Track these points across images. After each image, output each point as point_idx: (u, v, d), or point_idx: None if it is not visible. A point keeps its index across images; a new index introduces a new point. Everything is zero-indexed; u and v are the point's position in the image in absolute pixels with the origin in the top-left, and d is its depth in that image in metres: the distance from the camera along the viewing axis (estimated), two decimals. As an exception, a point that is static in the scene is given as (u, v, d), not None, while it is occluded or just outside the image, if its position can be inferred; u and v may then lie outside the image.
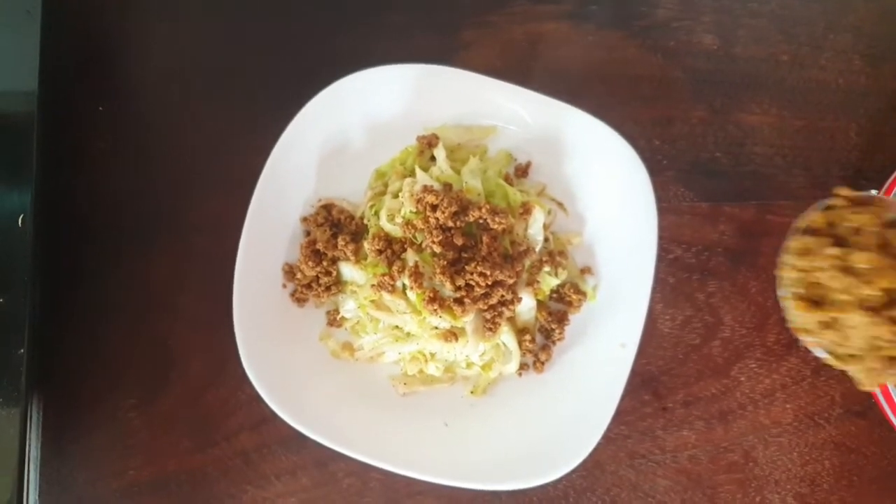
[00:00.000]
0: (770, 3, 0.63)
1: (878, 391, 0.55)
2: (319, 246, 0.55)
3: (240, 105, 0.62)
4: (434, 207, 0.51)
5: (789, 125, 0.62)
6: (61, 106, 0.61)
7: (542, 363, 0.56)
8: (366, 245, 0.54)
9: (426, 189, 0.52)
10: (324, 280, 0.56)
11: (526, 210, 0.54)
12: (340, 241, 0.55)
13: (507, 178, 0.57)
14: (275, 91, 0.61)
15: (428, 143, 0.58)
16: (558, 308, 0.57)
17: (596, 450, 0.52)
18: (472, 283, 0.51)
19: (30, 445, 0.57)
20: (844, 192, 0.50)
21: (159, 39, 0.64)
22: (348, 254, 0.55)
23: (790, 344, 0.58)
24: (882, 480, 0.57)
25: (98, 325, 0.59)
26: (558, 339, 0.56)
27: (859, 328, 0.46)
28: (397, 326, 0.55)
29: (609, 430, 0.52)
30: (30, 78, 0.59)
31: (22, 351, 0.54)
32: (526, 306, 0.55)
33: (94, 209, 0.61)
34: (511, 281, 0.52)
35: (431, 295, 0.51)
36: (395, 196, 0.55)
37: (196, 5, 0.64)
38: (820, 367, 0.58)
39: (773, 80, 0.62)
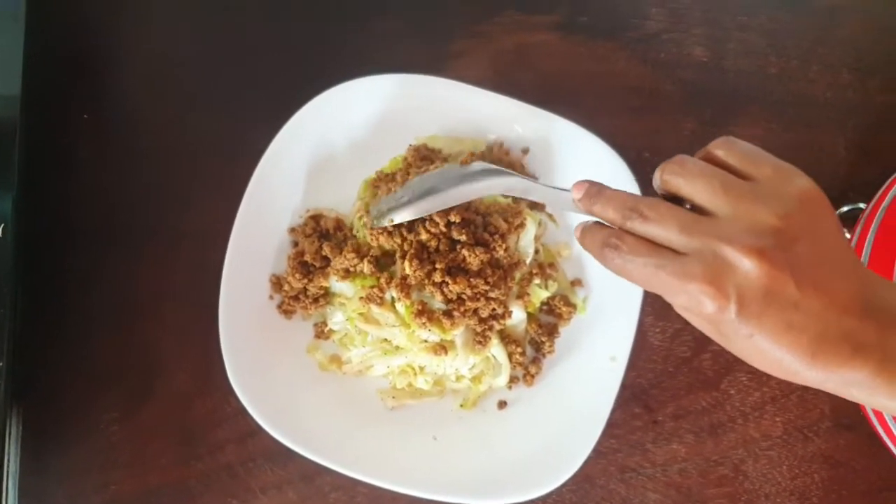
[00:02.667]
0: (759, 17, 0.64)
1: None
2: (307, 257, 0.55)
3: (227, 113, 0.61)
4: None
5: (778, 138, 0.62)
6: (45, 113, 0.61)
7: (532, 376, 0.55)
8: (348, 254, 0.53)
9: None
10: (311, 292, 0.55)
11: (520, 224, 0.53)
12: (325, 248, 0.54)
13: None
14: (263, 100, 0.60)
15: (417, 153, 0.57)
16: (548, 321, 0.57)
17: (586, 463, 0.52)
18: (463, 296, 0.51)
19: (8, 459, 0.55)
20: None
21: (145, 47, 0.63)
22: (335, 263, 0.54)
23: (780, 357, 0.58)
24: (871, 494, 0.57)
25: (81, 335, 0.58)
26: (548, 352, 0.56)
27: None
28: (386, 339, 0.54)
29: (599, 443, 0.52)
30: (13, 82, 0.58)
31: (1, 364, 0.53)
32: (516, 319, 0.55)
33: (78, 218, 0.60)
34: (503, 297, 0.51)
35: (420, 308, 0.51)
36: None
37: (183, 13, 0.64)
38: (809, 380, 0.58)
39: (762, 94, 0.63)
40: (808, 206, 0.35)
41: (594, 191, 0.40)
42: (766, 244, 0.33)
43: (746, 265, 0.33)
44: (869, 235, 0.52)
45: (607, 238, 0.37)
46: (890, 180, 0.54)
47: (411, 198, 0.50)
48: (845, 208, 0.58)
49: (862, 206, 0.57)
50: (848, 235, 0.57)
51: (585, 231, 0.40)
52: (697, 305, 0.34)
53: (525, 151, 0.58)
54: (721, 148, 0.38)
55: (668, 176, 0.37)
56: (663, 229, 0.35)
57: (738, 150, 0.37)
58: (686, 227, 0.35)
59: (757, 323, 0.33)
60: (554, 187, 0.45)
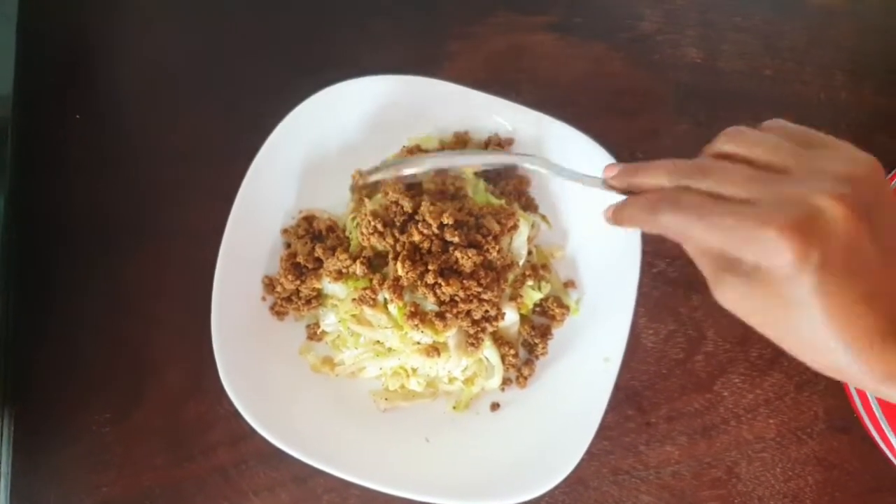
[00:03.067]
0: (754, 18, 0.64)
1: (860, 406, 0.55)
2: (300, 259, 0.54)
3: (220, 113, 0.61)
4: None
5: (773, 140, 0.62)
6: (37, 113, 0.60)
7: (525, 378, 0.55)
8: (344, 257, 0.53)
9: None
10: (304, 293, 0.55)
11: (513, 225, 0.53)
12: (318, 250, 0.54)
13: (491, 191, 0.57)
14: (255, 100, 0.60)
15: (410, 154, 0.57)
16: (541, 322, 0.57)
17: (579, 466, 0.51)
18: (455, 298, 0.50)
19: (0, 461, 0.55)
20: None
21: (138, 47, 0.63)
22: (327, 264, 0.53)
23: (773, 359, 0.58)
24: (864, 496, 0.57)
25: (72, 336, 0.58)
26: (541, 354, 0.56)
27: None
28: (378, 341, 0.54)
29: (592, 445, 0.52)
30: (5, 82, 0.58)
31: (-8, 364, 0.53)
32: (509, 321, 0.55)
33: (70, 218, 0.60)
34: (496, 299, 0.51)
35: (413, 309, 0.50)
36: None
37: (175, 14, 0.63)
38: (803, 382, 0.58)
39: (757, 95, 0.63)
40: (874, 174, 0.33)
41: (632, 166, 0.38)
42: (848, 192, 0.30)
43: (832, 211, 0.30)
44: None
45: (661, 196, 0.34)
46: (883, 182, 0.54)
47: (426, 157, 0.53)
48: (839, 210, 0.58)
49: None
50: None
51: (623, 204, 0.38)
52: (772, 255, 0.30)
53: (509, 143, 0.58)
54: (776, 127, 0.36)
55: (726, 143, 0.35)
56: (729, 181, 0.33)
57: (794, 129, 0.36)
58: (755, 178, 0.32)
59: (834, 285, 0.30)
60: (579, 172, 0.47)
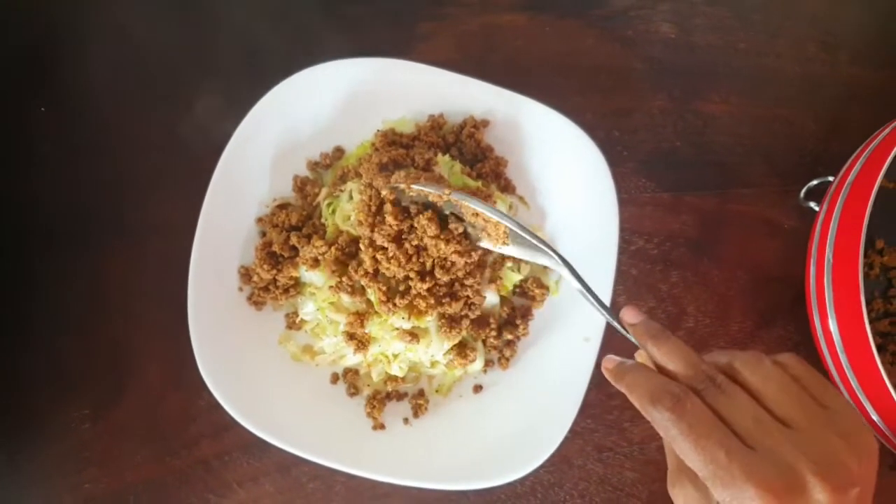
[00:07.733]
0: (727, -9, 0.63)
1: (833, 371, 0.55)
2: (275, 248, 0.54)
3: (190, 103, 0.60)
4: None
5: (748, 113, 0.62)
6: (0, 108, 0.59)
7: (507, 359, 0.55)
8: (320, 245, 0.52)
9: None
10: (281, 282, 0.54)
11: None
12: (293, 238, 0.53)
13: (468, 173, 0.56)
14: (226, 87, 0.59)
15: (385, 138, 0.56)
16: (522, 303, 0.57)
17: (563, 444, 0.52)
18: (435, 283, 0.50)
19: (-21, 462, 0.55)
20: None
21: (103, 38, 0.61)
22: (303, 252, 0.53)
23: (752, 332, 0.59)
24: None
25: (48, 333, 0.57)
26: (522, 335, 0.56)
27: None
28: (358, 328, 0.54)
29: (575, 424, 0.52)
30: (-34, 78, 0.56)
31: (-35, 365, 0.52)
32: (489, 303, 0.54)
33: (40, 213, 0.59)
34: (476, 284, 0.51)
35: (390, 295, 0.50)
36: (350, 198, 0.53)
37: (143, 4, 0.62)
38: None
39: (732, 69, 0.62)
40: (873, 467, 0.32)
41: (656, 329, 0.37)
42: (844, 483, 0.30)
43: (819, 495, 0.30)
44: (836, 209, 0.52)
45: (668, 390, 0.33)
46: (855, 154, 0.55)
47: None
48: (814, 182, 0.59)
49: (830, 179, 0.57)
50: (817, 208, 0.58)
51: (628, 371, 0.36)
52: None
53: (484, 125, 0.57)
54: (792, 365, 0.35)
55: (742, 366, 0.34)
56: (738, 413, 0.32)
57: (811, 377, 0.34)
58: (762, 422, 0.32)
59: None
60: (594, 294, 0.42)
